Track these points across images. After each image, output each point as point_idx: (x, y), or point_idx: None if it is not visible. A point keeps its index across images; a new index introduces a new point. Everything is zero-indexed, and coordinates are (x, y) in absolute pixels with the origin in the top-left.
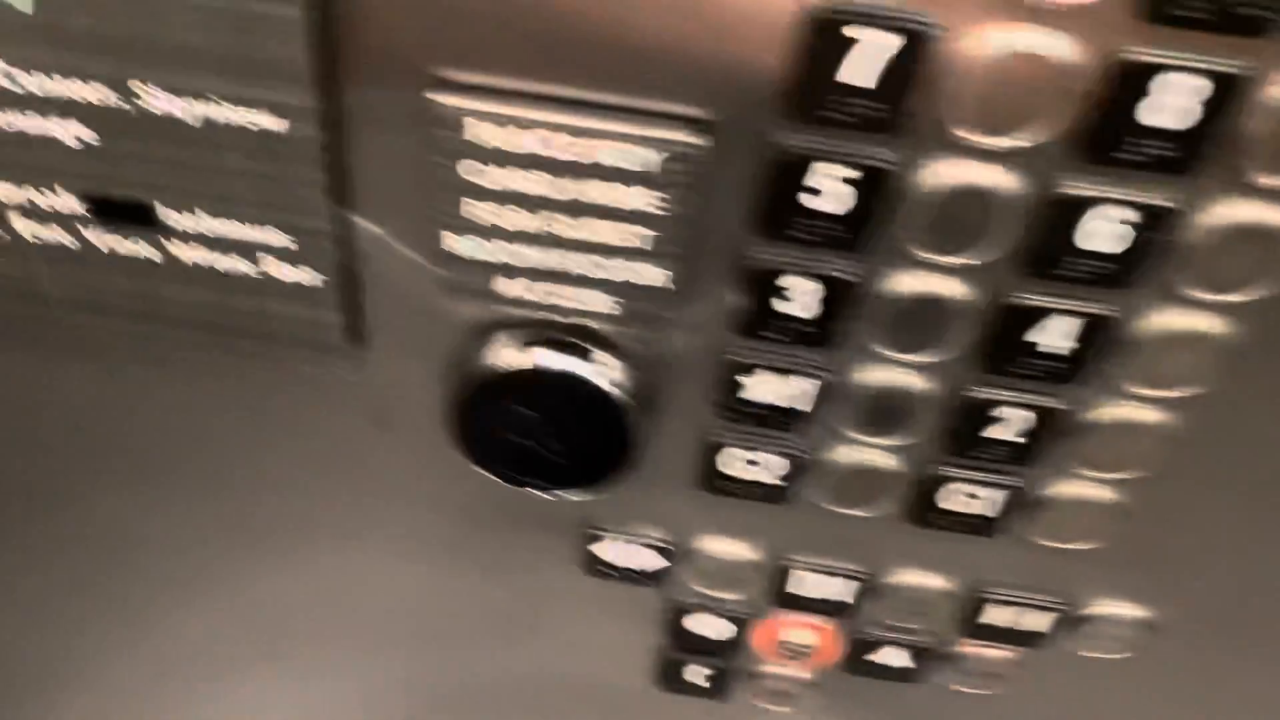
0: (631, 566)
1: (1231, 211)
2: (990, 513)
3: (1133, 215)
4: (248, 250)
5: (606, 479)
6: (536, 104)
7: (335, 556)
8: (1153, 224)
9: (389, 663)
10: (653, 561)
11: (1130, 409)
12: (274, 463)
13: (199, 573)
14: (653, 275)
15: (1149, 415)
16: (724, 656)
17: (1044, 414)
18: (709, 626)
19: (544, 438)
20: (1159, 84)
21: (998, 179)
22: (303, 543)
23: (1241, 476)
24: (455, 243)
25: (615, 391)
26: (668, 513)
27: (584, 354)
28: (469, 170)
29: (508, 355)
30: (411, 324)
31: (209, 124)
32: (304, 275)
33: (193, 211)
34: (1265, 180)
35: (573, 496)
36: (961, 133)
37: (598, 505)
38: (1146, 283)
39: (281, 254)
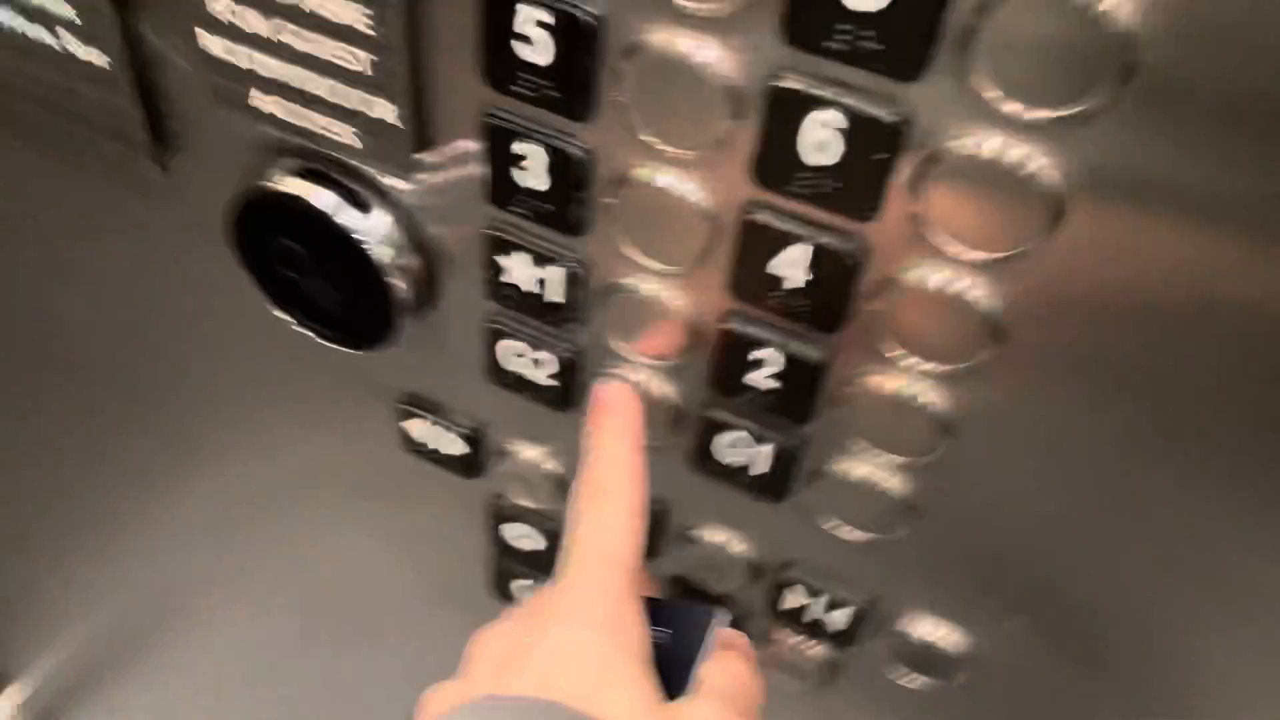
0: (441, 450)
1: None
2: (764, 469)
3: (843, 120)
4: (47, 20)
5: (370, 334)
6: None
7: (156, 362)
8: (868, 131)
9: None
10: (460, 448)
11: (894, 378)
12: (99, 253)
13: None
14: (384, 109)
15: (914, 387)
16: (540, 570)
17: (799, 362)
18: (524, 537)
19: (310, 276)
20: None
21: (705, 52)
22: (129, 341)
23: (1031, 484)
24: (208, 41)
25: (367, 238)
26: (471, 402)
27: (345, 194)
28: None
29: (276, 181)
30: (211, 132)
31: None
32: (95, 55)
33: None
34: (996, 102)
35: (343, 347)
36: None
37: (411, 381)
38: (884, 221)
39: (73, 29)
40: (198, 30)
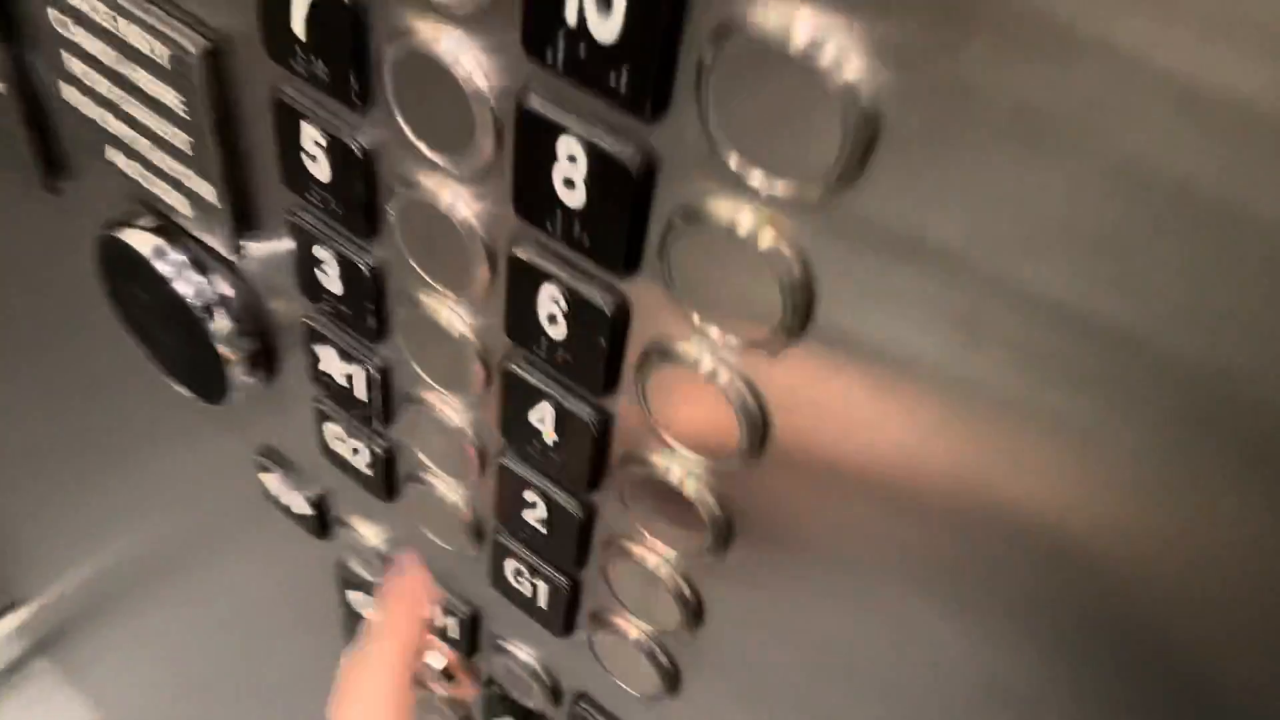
0: (292, 508)
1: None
2: (544, 603)
3: (566, 299)
4: None
5: (207, 388)
6: None
7: (65, 361)
8: (587, 314)
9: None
10: (306, 510)
11: (643, 549)
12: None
13: None
14: (204, 188)
15: (659, 562)
16: None
17: (560, 511)
18: (366, 605)
19: (156, 321)
20: None
21: (460, 203)
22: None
23: (784, 673)
24: (69, 94)
25: (201, 301)
26: (315, 468)
27: (190, 256)
28: (58, 21)
29: (130, 231)
30: (93, 167)
31: None
32: None
33: None
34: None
35: (187, 392)
36: (416, 140)
37: (267, 435)
38: (622, 398)
39: None
40: (61, 83)
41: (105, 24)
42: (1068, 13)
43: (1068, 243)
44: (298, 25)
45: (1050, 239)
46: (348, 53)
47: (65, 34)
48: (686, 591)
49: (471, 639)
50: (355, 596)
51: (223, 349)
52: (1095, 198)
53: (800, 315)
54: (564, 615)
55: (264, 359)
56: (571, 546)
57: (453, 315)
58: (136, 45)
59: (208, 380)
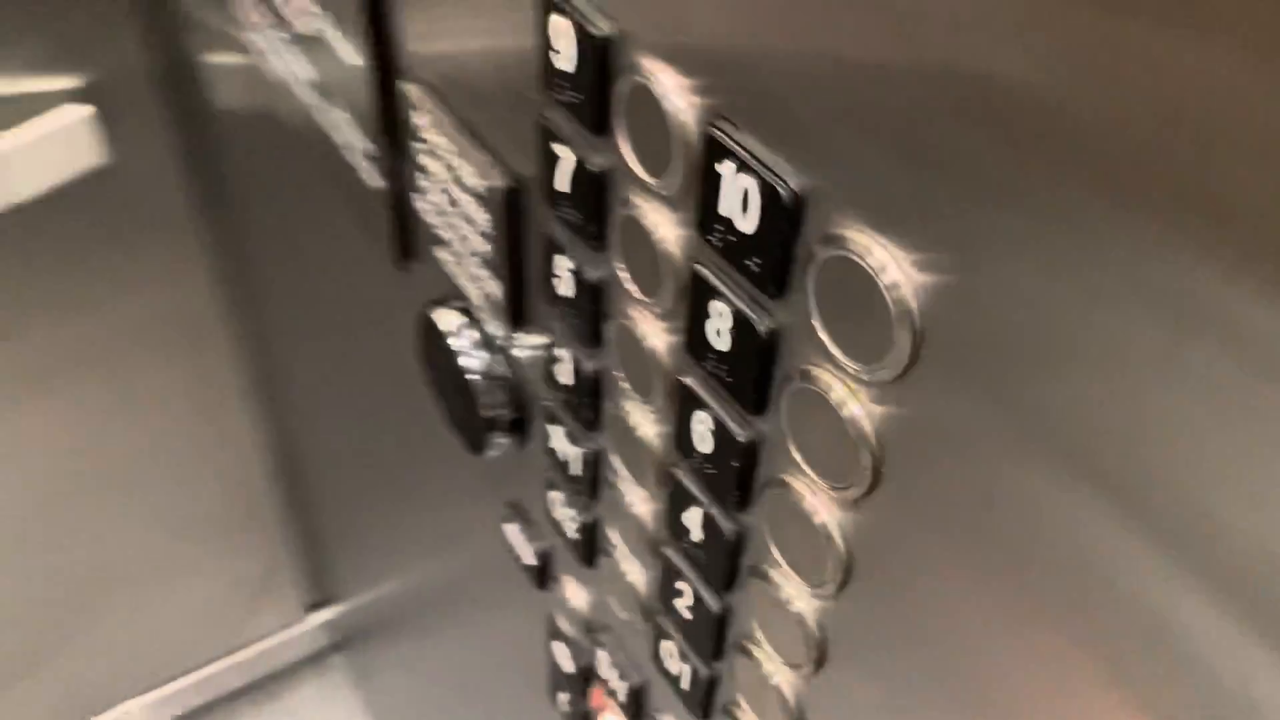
0: (522, 557)
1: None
2: (688, 686)
3: (713, 427)
4: (358, 154)
5: (472, 442)
6: (441, 108)
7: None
8: (729, 443)
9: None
10: (533, 561)
11: (761, 653)
12: (369, 309)
13: None
14: (494, 289)
15: (775, 671)
16: (572, 693)
17: (702, 606)
18: (565, 658)
19: (446, 382)
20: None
21: (653, 337)
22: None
23: None
24: (417, 200)
25: (479, 373)
26: (542, 529)
27: (481, 336)
28: (415, 149)
29: (440, 310)
30: (429, 262)
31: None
32: (378, 181)
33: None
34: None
35: (461, 443)
36: (626, 280)
37: (516, 491)
38: (753, 515)
39: (370, 159)
40: (412, 195)
41: (447, 157)
42: (1066, 256)
43: (1053, 447)
44: (559, 183)
45: (1067, 445)
46: (592, 209)
47: (421, 160)
48: (791, 701)
49: (639, 706)
50: (556, 648)
51: (487, 413)
52: (1110, 409)
53: (870, 478)
54: (702, 700)
55: (518, 427)
56: (710, 639)
57: (642, 420)
58: (463, 176)
59: (475, 436)
